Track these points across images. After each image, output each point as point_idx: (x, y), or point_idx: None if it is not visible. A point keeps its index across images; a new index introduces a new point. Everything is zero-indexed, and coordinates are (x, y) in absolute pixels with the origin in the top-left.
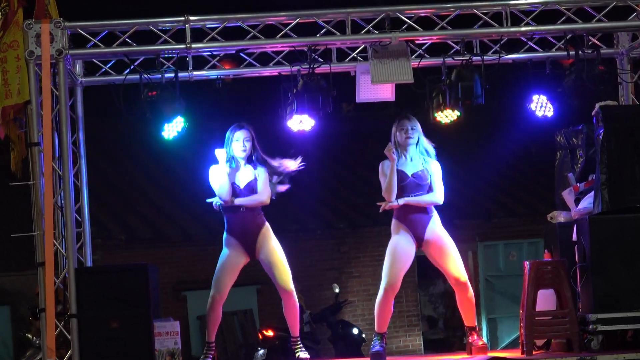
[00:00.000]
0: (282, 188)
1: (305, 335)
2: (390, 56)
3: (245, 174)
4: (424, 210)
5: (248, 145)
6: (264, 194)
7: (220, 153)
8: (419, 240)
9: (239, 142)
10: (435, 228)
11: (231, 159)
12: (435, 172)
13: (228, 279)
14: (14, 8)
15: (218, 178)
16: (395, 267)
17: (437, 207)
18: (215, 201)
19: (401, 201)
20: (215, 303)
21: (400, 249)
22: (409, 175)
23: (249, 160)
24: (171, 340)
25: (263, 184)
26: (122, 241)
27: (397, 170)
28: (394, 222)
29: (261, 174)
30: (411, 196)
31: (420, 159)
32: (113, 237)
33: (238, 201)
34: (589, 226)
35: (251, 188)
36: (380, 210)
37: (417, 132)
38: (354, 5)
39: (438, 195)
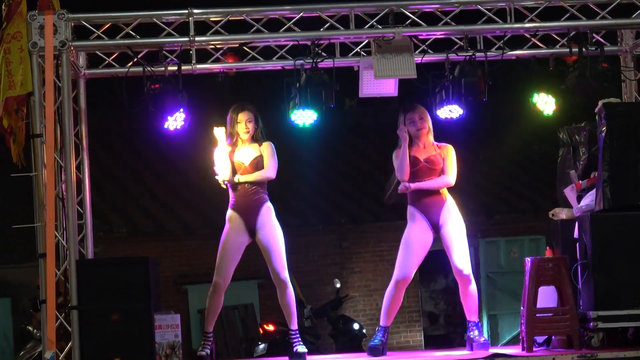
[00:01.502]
0: None
1: (306, 330)
2: (393, 51)
3: (250, 152)
4: (437, 193)
5: (251, 126)
6: (270, 169)
7: (219, 132)
8: (435, 225)
9: (242, 123)
10: (450, 212)
11: (233, 137)
12: (448, 155)
13: (231, 262)
14: None
15: (220, 159)
16: (409, 259)
17: None
18: (222, 179)
19: (413, 185)
20: (219, 289)
21: (415, 239)
22: (421, 160)
23: (253, 139)
24: (172, 333)
25: (269, 158)
26: (124, 234)
27: (410, 155)
28: (409, 208)
29: (266, 148)
30: (423, 181)
31: (433, 145)
32: (115, 230)
33: (243, 178)
34: (591, 223)
35: (256, 165)
36: (399, 192)
37: (426, 121)
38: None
39: (449, 177)
